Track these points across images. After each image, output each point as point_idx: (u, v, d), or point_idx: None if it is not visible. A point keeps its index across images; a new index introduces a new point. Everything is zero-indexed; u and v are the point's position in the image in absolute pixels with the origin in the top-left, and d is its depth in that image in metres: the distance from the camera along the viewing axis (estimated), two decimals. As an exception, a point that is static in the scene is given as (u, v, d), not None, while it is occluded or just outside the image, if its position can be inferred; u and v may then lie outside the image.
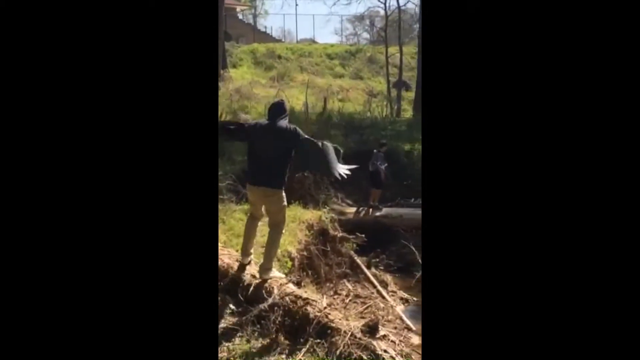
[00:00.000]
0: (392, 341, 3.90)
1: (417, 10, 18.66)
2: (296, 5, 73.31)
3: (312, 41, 32.33)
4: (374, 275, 7.36)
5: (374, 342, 3.68)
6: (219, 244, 5.08)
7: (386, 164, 9.39)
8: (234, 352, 3.64)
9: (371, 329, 3.84)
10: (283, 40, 33.07)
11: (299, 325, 3.95)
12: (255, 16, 37.33)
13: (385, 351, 3.73)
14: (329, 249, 7.25)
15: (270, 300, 4.06)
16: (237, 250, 4.99)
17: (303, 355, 3.62)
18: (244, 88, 16.35)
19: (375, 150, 9.45)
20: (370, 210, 9.18)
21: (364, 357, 3.60)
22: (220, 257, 4.70)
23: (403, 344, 5.18)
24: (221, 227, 5.88)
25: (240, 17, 33.42)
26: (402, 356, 3.76)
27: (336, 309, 4.36)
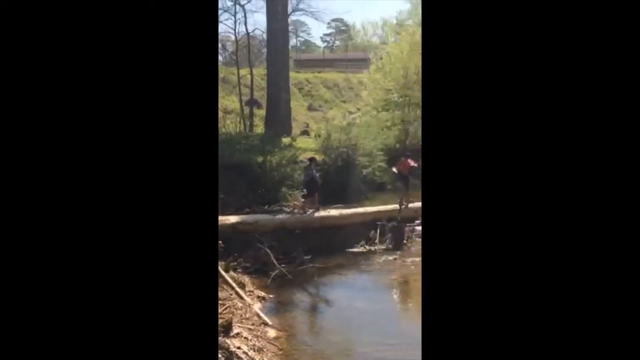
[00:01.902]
0: (245, 337, 3.85)
1: (265, 36, 18.79)
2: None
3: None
4: (232, 278, 7.22)
5: (228, 340, 3.56)
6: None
7: (320, 172, 9.96)
8: None
9: (225, 329, 3.73)
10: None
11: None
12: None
13: (238, 347, 3.63)
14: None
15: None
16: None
17: None
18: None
19: (310, 165, 9.94)
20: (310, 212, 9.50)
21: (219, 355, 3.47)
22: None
23: (257, 339, 5.14)
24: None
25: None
26: (254, 350, 3.73)
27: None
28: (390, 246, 9.29)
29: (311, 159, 10.35)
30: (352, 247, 9.23)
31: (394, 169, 10.78)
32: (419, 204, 10.47)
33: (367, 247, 9.27)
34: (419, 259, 8.45)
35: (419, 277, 7.66)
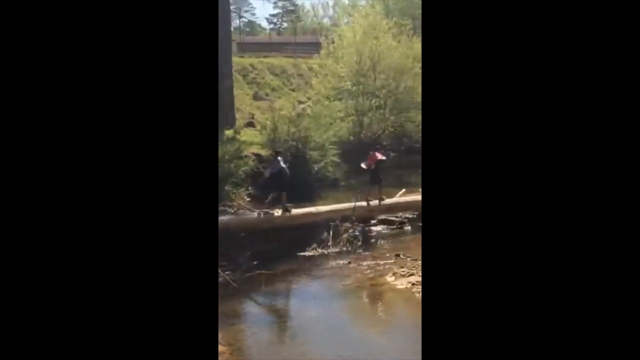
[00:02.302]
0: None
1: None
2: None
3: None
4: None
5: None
6: None
7: (288, 166, 10.24)
8: None
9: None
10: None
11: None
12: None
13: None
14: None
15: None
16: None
17: None
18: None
19: (275, 157, 10.16)
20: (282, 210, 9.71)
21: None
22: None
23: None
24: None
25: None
26: None
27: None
28: (344, 249, 9.39)
29: (278, 152, 10.59)
30: (303, 251, 9.28)
31: (363, 165, 11.00)
32: (390, 200, 10.79)
33: (320, 250, 9.33)
34: (374, 262, 8.63)
35: (375, 283, 7.87)
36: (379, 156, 10.81)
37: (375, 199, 10.77)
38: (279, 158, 10.09)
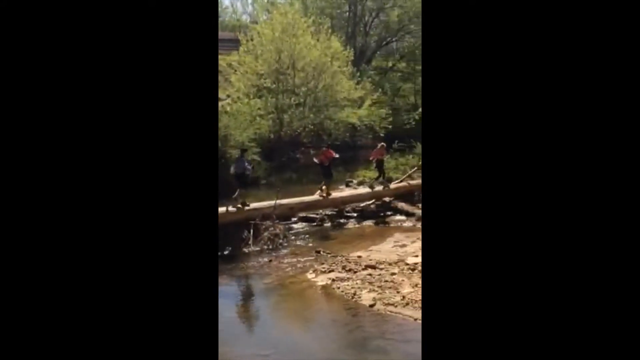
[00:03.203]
0: None
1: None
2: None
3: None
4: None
5: None
6: None
7: (252, 166, 10.69)
8: None
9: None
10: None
11: None
12: None
13: None
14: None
15: None
16: None
17: None
18: None
19: (237, 156, 10.57)
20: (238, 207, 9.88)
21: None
22: None
23: None
24: None
25: None
26: None
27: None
28: (265, 247, 9.35)
29: (243, 150, 11.05)
30: (223, 250, 9.17)
31: (315, 160, 11.63)
32: (310, 198, 10.86)
33: (240, 249, 9.28)
34: (295, 260, 8.66)
35: (295, 280, 7.90)
36: (334, 154, 11.24)
37: (329, 193, 11.18)
38: (243, 157, 10.32)
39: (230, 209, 9.84)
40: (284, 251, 9.29)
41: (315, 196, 11.35)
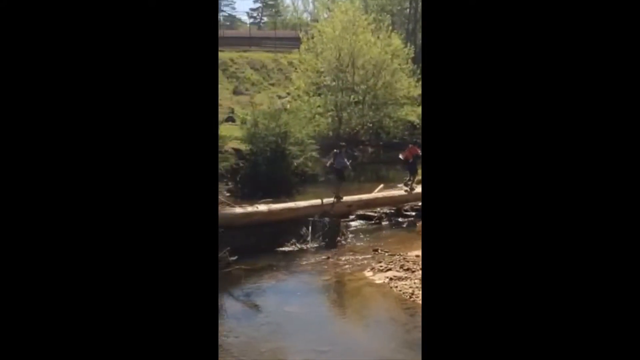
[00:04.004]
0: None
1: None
2: None
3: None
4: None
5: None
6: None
7: (350, 161, 11.09)
8: None
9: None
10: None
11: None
12: None
13: None
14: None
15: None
16: None
17: None
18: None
19: (335, 150, 10.87)
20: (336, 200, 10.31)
21: None
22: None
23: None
24: None
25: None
26: None
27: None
28: (323, 244, 9.40)
29: (342, 146, 11.62)
30: (282, 246, 9.26)
31: (401, 156, 11.88)
32: (368, 196, 10.99)
33: (299, 246, 9.34)
34: (353, 257, 8.66)
35: (353, 277, 7.90)
36: (419, 151, 11.17)
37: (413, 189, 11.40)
38: (342, 153, 10.90)
39: (327, 200, 10.33)
40: (342, 249, 9.29)
41: (374, 194, 11.31)
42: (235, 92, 23.44)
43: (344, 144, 12.70)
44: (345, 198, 10.65)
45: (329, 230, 9.73)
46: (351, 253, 8.95)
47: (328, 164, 11.06)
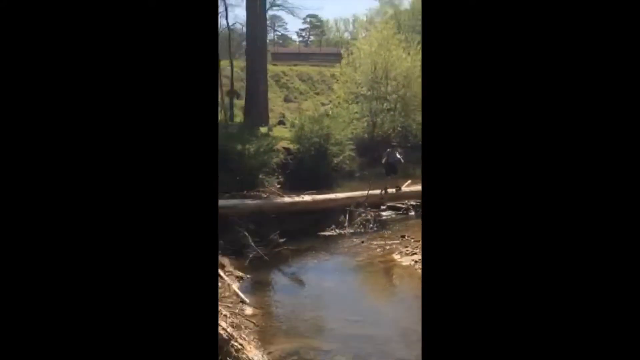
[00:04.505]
0: (224, 315, 3.87)
1: (244, 29, 18.47)
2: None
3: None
4: (212, 259, 7.21)
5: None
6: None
7: (402, 155, 10.99)
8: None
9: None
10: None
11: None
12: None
13: (219, 325, 3.66)
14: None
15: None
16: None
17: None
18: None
19: (388, 149, 11.07)
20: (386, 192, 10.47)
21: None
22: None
23: (235, 316, 5.18)
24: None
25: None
26: (232, 327, 3.77)
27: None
28: (358, 230, 9.39)
29: (393, 146, 11.57)
30: (323, 231, 9.27)
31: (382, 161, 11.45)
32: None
33: (337, 231, 9.32)
34: (383, 242, 8.61)
35: (383, 260, 7.85)
36: (397, 154, 11.02)
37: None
38: (394, 151, 10.91)
39: (390, 190, 10.55)
40: (375, 235, 9.23)
41: (403, 188, 11.19)
42: (286, 99, 23.55)
43: (395, 143, 12.45)
44: (377, 191, 10.59)
45: (362, 218, 9.70)
46: (382, 238, 8.89)
47: (383, 161, 10.87)
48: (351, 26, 52.54)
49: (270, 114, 18.87)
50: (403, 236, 8.84)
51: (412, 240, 8.49)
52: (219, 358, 3.31)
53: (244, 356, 3.29)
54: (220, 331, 3.65)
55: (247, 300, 6.00)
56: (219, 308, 4.09)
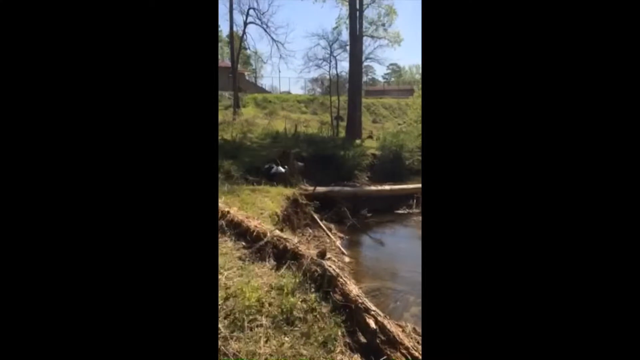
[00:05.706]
0: (332, 260, 3.97)
1: (347, 75, 18.52)
2: (279, 71, 72.74)
3: (288, 92, 31.78)
4: (324, 225, 7.43)
5: (323, 262, 3.72)
6: (235, 209, 4.99)
7: None
8: (243, 267, 3.63)
9: (321, 254, 3.87)
10: (271, 91, 32.40)
11: (281, 253, 3.92)
12: (255, 77, 36.42)
13: (329, 266, 3.78)
14: (298, 210, 7.26)
15: (264, 240, 4.03)
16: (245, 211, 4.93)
17: (284, 270, 3.63)
18: (249, 119, 16.39)
19: None
20: None
21: (318, 271, 3.62)
22: (236, 214, 4.65)
23: (340, 262, 5.31)
24: (236, 198, 5.86)
25: (247, 78, 32.60)
26: (338, 269, 3.86)
27: (302, 244, 4.36)
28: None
29: None
30: (398, 210, 9.12)
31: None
32: None
33: (408, 210, 9.11)
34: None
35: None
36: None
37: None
38: None
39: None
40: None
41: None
42: (374, 121, 23.21)
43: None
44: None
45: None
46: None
47: None
48: (421, 69, 50.17)
49: (363, 131, 18.74)
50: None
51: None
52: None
53: (346, 287, 3.38)
54: (331, 270, 3.74)
55: (346, 252, 6.11)
56: (330, 255, 4.22)
